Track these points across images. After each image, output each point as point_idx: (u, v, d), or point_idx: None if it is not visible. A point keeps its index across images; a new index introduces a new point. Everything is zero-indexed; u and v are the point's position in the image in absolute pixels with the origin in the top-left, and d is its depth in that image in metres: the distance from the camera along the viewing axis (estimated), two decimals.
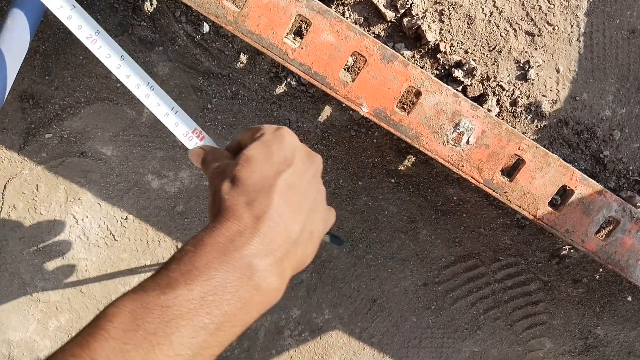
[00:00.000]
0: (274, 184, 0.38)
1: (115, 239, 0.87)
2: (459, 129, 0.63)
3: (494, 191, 0.65)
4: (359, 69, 0.63)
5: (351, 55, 0.63)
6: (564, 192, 0.67)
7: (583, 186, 0.65)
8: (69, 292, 0.89)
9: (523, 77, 0.81)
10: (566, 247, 0.88)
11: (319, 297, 0.91)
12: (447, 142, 0.64)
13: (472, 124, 0.63)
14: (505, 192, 0.66)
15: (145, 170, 0.85)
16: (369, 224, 0.88)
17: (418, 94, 0.62)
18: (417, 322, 0.92)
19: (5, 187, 0.85)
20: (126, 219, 0.86)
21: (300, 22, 0.69)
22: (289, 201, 0.38)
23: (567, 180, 0.65)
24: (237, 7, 0.61)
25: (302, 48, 0.61)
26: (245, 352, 0.93)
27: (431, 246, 0.89)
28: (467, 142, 0.64)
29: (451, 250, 0.89)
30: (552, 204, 0.67)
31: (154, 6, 0.78)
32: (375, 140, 0.84)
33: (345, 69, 0.68)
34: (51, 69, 0.81)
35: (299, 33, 0.72)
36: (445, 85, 0.62)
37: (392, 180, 0.86)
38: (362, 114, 0.63)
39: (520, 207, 0.66)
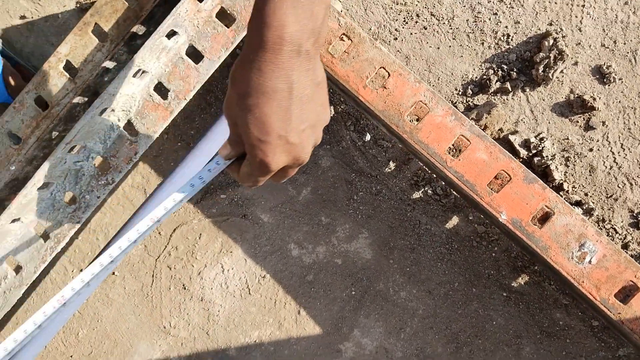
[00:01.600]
0: None
1: (249, 293, 1.01)
2: (583, 249, 0.74)
3: (609, 310, 0.74)
4: (502, 184, 0.77)
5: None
6: None
7: None
8: (196, 332, 1.02)
9: (635, 225, 0.92)
10: None
11: None
12: (572, 258, 0.75)
13: (596, 247, 0.74)
14: (619, 313, 0.74)
15: (290, 240, 1.00)
16: (475, 330, 0.96)
17: (551, 213, 0.75)
18: None
19: (174, 230, 1.03)
20: (264, 277, 1.00)
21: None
22: None
23: None
24: (413, 122, 0.79)
25: (459, 160, 0.77)
26: None
27: None
28: (590, 261, 0.74)
29: None
30: None
31: (332, 115, 1.00)
32: (494, 254, 0.95)
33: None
34: None
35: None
36: (575, 210, 0.75)
37: (504, 294, 0.95)
38: (500, 221, 0.76)
39: (632, 330, 0.73)
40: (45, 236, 0.83)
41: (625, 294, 0.75)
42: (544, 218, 0.76)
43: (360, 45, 0.79)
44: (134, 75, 0.78)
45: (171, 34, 0.78)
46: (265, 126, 0.46)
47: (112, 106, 0.79)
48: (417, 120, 0.79)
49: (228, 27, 0.79)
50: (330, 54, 0.80)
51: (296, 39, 0.43)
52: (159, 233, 1.03)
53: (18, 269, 0.85)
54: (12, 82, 1.00)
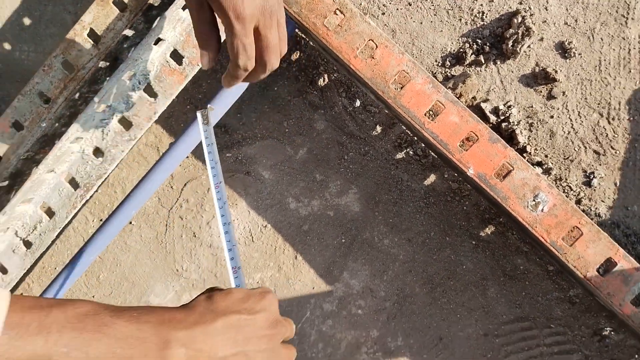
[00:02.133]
0: (228, 314, 0.46)
1: (252, 241, 1.14)
2: (537, 199, 0.88)
3: (557, 251, 0.88)
4: (471, 143, 0.90)
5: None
6: (609, 263, 0.88)
7: (625, 262, 0.87)
8: (205, 274, 1.15)
9: (588, 184, 1.05)
10: (607, 328, 1.05)
11: (396, 325, 1.12)
12: (527, 207, 0.88)
13: (548, 198, 0.88)
14: (565, 253, 0.88)
15: (288, 194, 1.13)
16: (448, 273, 1.10)
17: (511, 168, 0.88)
18: None
19: (185, 184, 1.16)
20: (265, 226, 1.14)
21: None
22: (230, 333, 0.45)
23: (613, 255, 0.87)
24: (396, 89, 0.91)
25: (435, 122, 0.90)
26: (327, 357, 1.13)
27: (496, 303, 1.09)
28: (542, 210, 0.88)
29: (512, 310, 1.09)
30: (598, 270, 0.88)
31: (325, 82, 1.11)
32: (465, 208, 1.09)
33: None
34: (243, 110, 1.14)
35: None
36: (531, 166, 0.88)
37: (473, 242, 1.09)
38: (468, 175, 0.89)
39: (574, 267, 0.87)
40: (75, 185, 0.95)
41: (571, 238, 0.89)
42: (505, 173, 0.90)
43: (352, 20, 0.91)
44: (154, 43, 0.90)
45: (185, 7, 0.89)
46: None
47: (134, 70, 0.91)
48: (401, 87, 0.91)
49: None
50: (325, 26, 0.91)
51: None
52: (171, 187, 1.16)
53: (51, 214, 0.97)
54: None
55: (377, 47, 0.91)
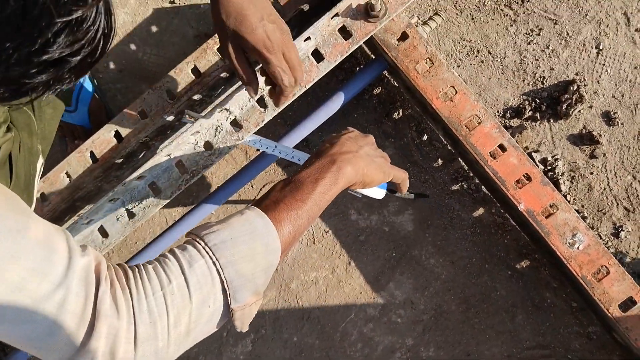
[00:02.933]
0: (340, 136, 0.76)
1: (314, 243, 1.30)
2: (575, 238, 1.04)
3: (585, 285, 1.03)
4: (521, 185, 1.07)
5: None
6: (630, 302, 1.03)
7: None
8: None
9: (616, 235, 1.21)
10: None
11: (430, 337, 1.26)
12: (566, 243, 1.04)
13: (584, 238, 1.03)
14: (593, 287, 1.03)
15: (351, 207, 1.30)
16: (483, 296, 1.25)
17: (556, 208, 1.05)
18: None
19: (264, 185, 1.33)
20: (327, 232, 1.30)
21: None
22: (350, 141, 0.75)
23: (634, 294, 1.02)
24: (468, 129, 1.09)
25: (497, 161, 1.07)
26: (365, 356, 1.27)
27: (522, 329, 1.23)
28: (578, 247, 1.03)
29: (536, 338, 1.23)
30: (620, 306, 1.03)
31: (400, 116, 1.29)
32: (506, 241, 1.25)
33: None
34: (324, 130, 1.32)
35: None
36: (573, 209, 1.05)
37: (509, 272, 1.24)
38: (519, 209, 1.05)
39: (599, 300, 1.02)
40: (184, 170, 1.13)
41: (599, 275, 1.04)
42: (550, 212, 1.06)
43: (439, 68, 1.09)
44: None
45: (306, 39, 1.08)
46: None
47: None
48: (471, 128, 1.09)
49: (345, 40, 1.09)
50: (416, 70, 1.10)
51: None
52: (252, 186, 1.33)
53: (157, 192, 1.14)
54: (95, 112, 1.31)
55: (456, 93, 1.09)
